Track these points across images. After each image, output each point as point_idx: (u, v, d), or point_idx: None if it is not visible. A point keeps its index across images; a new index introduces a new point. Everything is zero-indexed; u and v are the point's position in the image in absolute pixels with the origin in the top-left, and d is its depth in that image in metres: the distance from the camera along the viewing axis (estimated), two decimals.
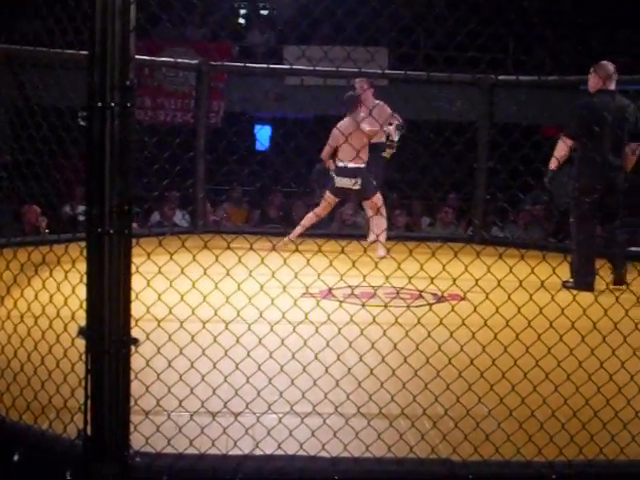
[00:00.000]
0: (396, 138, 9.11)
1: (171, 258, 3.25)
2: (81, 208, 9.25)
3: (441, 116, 8.84)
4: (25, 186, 5.36)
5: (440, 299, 5.85)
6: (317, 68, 8.37)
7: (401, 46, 12.55)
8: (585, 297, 3.73)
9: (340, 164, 8.81)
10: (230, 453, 3.06)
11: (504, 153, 4.07)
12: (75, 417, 3.01)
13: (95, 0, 2.73)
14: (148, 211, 10.36)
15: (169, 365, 3.32)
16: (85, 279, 2.82)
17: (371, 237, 8.93)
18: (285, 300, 3.75)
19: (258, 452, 3.09)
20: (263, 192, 11.67)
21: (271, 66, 11.18)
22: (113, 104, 2.74)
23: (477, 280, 3.53)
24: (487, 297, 3.56)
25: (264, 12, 16.08)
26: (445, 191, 11.10)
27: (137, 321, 2.98)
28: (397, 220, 10.90)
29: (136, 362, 2.97)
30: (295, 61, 10.97)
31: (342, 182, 8.85)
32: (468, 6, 3.93)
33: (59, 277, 3.49)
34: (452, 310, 3.57)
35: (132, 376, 2.90)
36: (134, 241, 2.85)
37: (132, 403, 2.92)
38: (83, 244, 2.83)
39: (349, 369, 3.50)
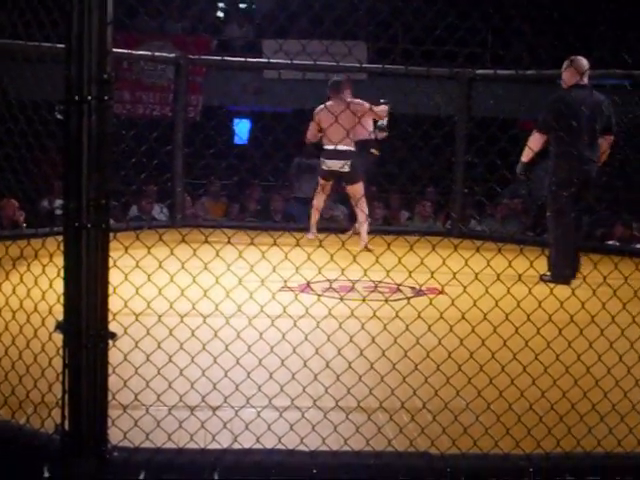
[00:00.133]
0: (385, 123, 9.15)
1: (149, 252, 3.25)
2: (59, 202, 9.21)
3: (419, 110, 8.85)
4: (3, 180, 5.33)
5: (418, 292, 5.88)
6: (295, 62, 8.37)
7: (379, 40, 12.56)
8: (562, 290, 3.75)
9: (329, 147, 8.71)
10: (208, 447, 3.06)
11: (482, 147, 4.08)
12: (53, 412, 3.00)
13: None
14: (126, 205, 10.32)
15: (147, 359, 3.31)
16: (63, 273, 2.81)
17: (362, 231, 8.95)
18: (263, 294, 3.76)
19: (237, 446, 3.09)
20: (241, 186, 11.66)
21: (249, 60, 11.15)
22: (90, 98, 2.73)
23: (455, 273, 3.54)
24: (465, 290, 3.57)
25: (242, 5, 16.05)
26: (423, 185, 11.11)
27: (115, 315, 2.98)
28: (375, 213, 10.92)
29: (114, 356, 2.96)
30: (273, 55, 10.98)
31: (331, 164, 8.82)
32: (446, 0, 3.93)
33: (37, 271, 3.48)
34: (430, 303, 3.58)
35: (110, 370, 2.89)
36: (112, 235, 2.84)
37: (110, 397, 2.91)
38: (61, 238, 2.82)
39: (327, 363, 3.50)
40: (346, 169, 8.74)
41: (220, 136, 4.33)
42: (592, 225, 10.39)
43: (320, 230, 8.78)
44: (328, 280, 4.03)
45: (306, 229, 8.97)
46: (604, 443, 3.21)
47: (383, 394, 3.45)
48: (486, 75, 10.04)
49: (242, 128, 15.70)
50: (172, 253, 3.33)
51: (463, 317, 3.51)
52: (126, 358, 3.23)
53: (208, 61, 11.62)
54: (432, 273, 3.57)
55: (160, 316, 3.40)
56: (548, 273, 6.91)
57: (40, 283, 3.45)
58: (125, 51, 9.17)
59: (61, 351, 2.85)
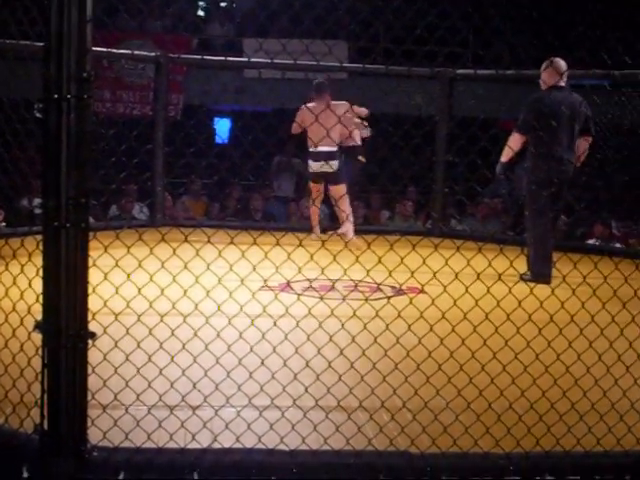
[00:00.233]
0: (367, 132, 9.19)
1: (128, 251, 3.23)
2: (38, 201, 9.17)
3: (400, 109, 8.86)
4: None
5: (398, 292, 5.89)
6: (275, 61, 8.37)
7: (360, 39, 12.57)
8: (542, 290, 3.76)
9: (313, 149, 8.75)
10: (188, 447, 3.05)
11: (462, 146, 4.09)
12: (32, 412, 2.99)
13: None
14: (106, 204, 10.29)
15: (127, 359, 3.30)
16: (42, 273, 2.80)
17: (343, 228, 8.97)
18: (243, 293, 3.75)
19: (216, 446, 3.08)
20: (222, 185, 11.65)
21: (229, 59, 11.13)
22: (69, 96, 2.72)
23: (435, 273, 3.55)
24: (445, 290, 3.58)
25: (223, 4, 16.02)
26: (404, 184, 11.13)
27: (94, 315, 2.97)
28: (356, 213, 10.93)
29: (93, 356, 2.95)
30: (254, 54, 10.96)
31: (317, 166, 8.83)
32: (426, 0, 3.94)
33: (15, 270, 3.46)
34: (410, 303, 3.58)
35: (89, 370, 2.88)
36: (91, 234, 2.83)
37: (89, 397, 2.90)
38: (40, 237, 2.81)
39: (307, 362, 3.50)
40: (331, 169, 8.76)
41: (200, 135, 4.31)
42: (572, 225, 10.45)
43: (300, 230, 8.77)
44: (308, 279, 4.03)
45: (287, 228, 8.96)
46: (583, 442, 3.23)
47: (363, 393, 3.45)
48: (467, 75, 10.06)
49: (222, 127, 15.68)
50: (152, 252, 3.32)
51: (443, 316, 3.51)
52: (105, 358, 3.22)
53: (188, 60, 11.59)
54: (412, 272, 3.57)
55: (140, 316, 3.39)
56: (528, 272, 6.95)
57: (19, 282, 3.43)
58: (105, 49, 9.12)
59: (40, 351, 2.84)
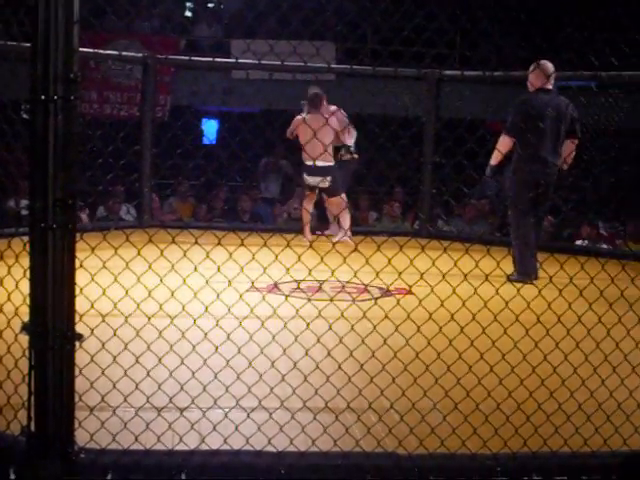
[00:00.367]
0: (352, 143, 9.17)
1: (116, 253, 3.23)
2: (25, 202, 9.15)
3: (387, 110, 8.87)
4: None
5: (386, 293, 5.89)
6: (263, 62, 8.36)
7: (347, 41, 12.57)
8: (529, 290, 3.77)
9: (308, 163, 8.73)
10: (176, 448, 3.05)
11: (449, 147, 4.09)
12: (19, 413, 2.98)
13: None
14: (93, 205, 10.27)
15: (114, 360, 3.30)
16: (28, 274, 2.79)
17: (339, 235, 8.96)
18: (231, 294, 3.74)
19: (204, 447, 3.08)
20: (209, 186, 11.64)
21: (217, 60, 11.13)
22: (56, 97, 2.71)
23: (422, 274, 3.55)
24: (432, 291, 3.58)
25: (210, 5, 16.01)
26: (391, 185, 11.14)
27: (81, 316, 2.96)
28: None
29: (80, 358, 2.94)
30: (241, 55, 10.96)
31: (311, 180, 8.86)
32: (414, 1, 3.94)
33: (2, 272, 3.44)
34: (397, 304, 3.59)
35: (76, 372, 2.88)
36: (78, 235, 2.83)
37: (76, 399, 2.89)
38: (27, 239, 2.80)
39: (295, 363, 3.50)
40: (326, 184, 8.78)
41: (188, 136, 4.31)
42: (558, 226, 10.48)
43: (288, 231, 8.78)
44: (296, 281, 4.03)
45: (274, 229, 8.97)
46: (570, 442, 3.23)
47: (351, 394, 3.45)
48: (454, 76, 10.07)
49: (210, 128, 15.67)
50: (139, 254, 3.31)
51: (430, 317, 3.52)
52: (93, 359, 3.21)
53: (176, 61, 11.58)
54: (400, 273, 3.58)
55: (127, 317, 3.39)
56: (515, 273, 6.99)
57: (6, 284, 3.41)
58: (92, 50, 9.11)
59: (27, 352, 2.83)
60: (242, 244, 3.42)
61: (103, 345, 3.27)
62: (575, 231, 10.84)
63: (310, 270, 3.61)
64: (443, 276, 3.56)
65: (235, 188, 11.96)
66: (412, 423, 3.32)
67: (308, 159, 8.68)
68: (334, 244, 8.05)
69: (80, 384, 2.96)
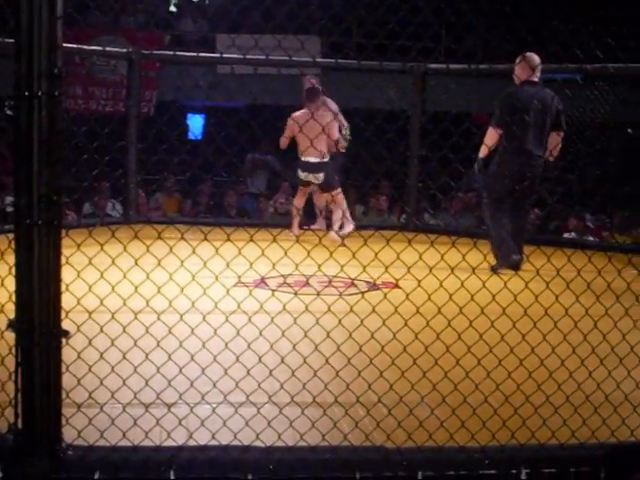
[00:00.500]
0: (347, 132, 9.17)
1: (102, 249, 3.22)
2: (10, 199, 9.12)
3: (373, 104, 8.86)
4: None
5: (373, 287, 5.89)
6: (248, 57, 8.33)
7: (332, 34, 12.56)
8: (516, 283, 3.77)
9: (303, 159, 8.75)
10: (164, 444, 3.04)
11: (435, 141, 4.09)
12: (6, 411, 2.97)
13: None
14: (79, 201, 10.24)
15: (101, 357, 3.29)
16: (14, 271, 2.78)
17: (348, 227, 8.97)
18: (217, 290, 3.74)
19: (192, 443, 3.08)
20: (195, 181, 11.62)
21: (202, 55, 11.10)
22: (40, 93, 2.70)
23: (409, 267, 3.55)
24: (419, 284, 3.58)
25: (195, 0, 15.97)
26: (378, 179, 11.14)
27: (68, 313, 2.95)
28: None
29: (67, 354, 2.94)
30: (226, 50, 10.93)
31: (305, 176, 8.84)
32: None
33: None
34: (385, 297, 3.58)
35: (63, 369, 2.87)
36: (64, 232, 2.82)
37: (64, 396, 2.89)
38: (12, 235, 2.79)
39: (282, 358, 3.49)
40: (320, 180, 8.76)
41: (173, 131, 4.29)
42: (545, 218, 10.51)
43: (274, 226, 8.76)
44: (282, 275, 4.03)
45: (260, 224, 8.95)
46: (558, 434, 3.24)
47: (338, 389, 3.45)
48: (439, 69, 10.07)
49: (196, 123, 15.64)
50: (125, 250, 3.30)
51: (418, 311, 3.52)
52: (80, 356, 3.20)
53: (161, 56, 11.57)
54: (387, 267, 3.57)
55: (114, 313, 3.38)
56: (497, 263, 7.02)
57: None
58: (76, 46, 9.08)
59: (13, 350, 2.82)
60: (228, 239, 3.41)
61: (90, 342, 3.26)
62: (562, 224, 10.86)
63: (297, 265, 3.60)
64: (430, 269, 3.56)
65: (221, 183, 11.94)
66: (400, 417, 3.32)
67: (302, 155, 8.70)
68: (343, 239, 8.10)
69: (67, 381, 2.96)
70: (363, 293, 5.70)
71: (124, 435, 3.04)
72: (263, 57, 8.45)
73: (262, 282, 5.98)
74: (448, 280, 3.64)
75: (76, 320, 3.13)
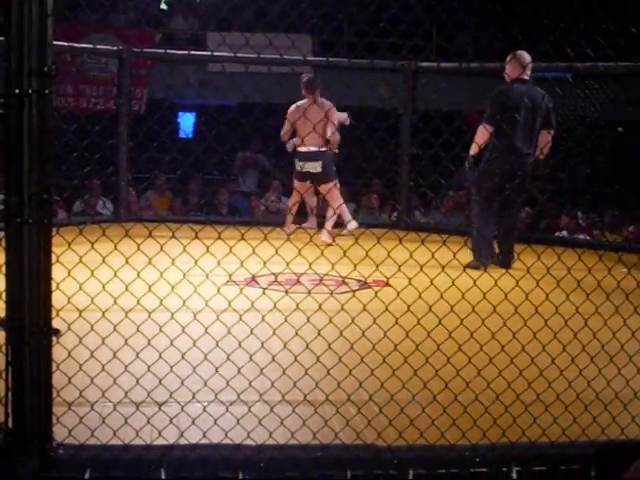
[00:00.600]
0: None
1: (92, 247, 3.21)
2: (0, 197, 9.09)
3: (364, 102, 8.86)
4: None
5: (364, 285, 5.89)
6: (238, 55, 8.33)
7: (323, 33, 12.55)
8: (506, 281, 3.78)
9: (302, 149, 8.75)
10: (155, 443, 3.04)
11: (426, 139, 4.09)
12: None
13: None
14: (70, 199, 10.22)
15: (91, 355, 3.28)
16: (4, 269, 2.78)
17: (351, 224, 8.95)
18: (208, 288, 3.74)
19: (183, 441, 3.07)
20: (186, 180, 11.61)
21: (192, 53, 11.09)
22: (31, 91, 2.69)
23: (400, 266, 3.55)
24: (410, 282, 3.58)
25: None
26: (369, 177, 11.14)
27: (58, 311, 2.95)
28: (322, 205, 10.92)
29: (58, 353, 2.93)
30: (217, 48, 10.92)
31: (305, 166, 8.82)
32: None
33: None
34: (375, 296, 3.59)
35: (54, 367, 2.87)
36: (54, 230, 2.81)
37: (54, 395, 2.88)
38: (2, 234, 2.79)
39: (273, 356, 3.49)
40: (318, 170, 8.74)
41: (164, 130, 4.29)
42: (536, 217, 10.53)
43: (266, 224, 8.75)
44: (273, 274, 4.02)
45: (251, 222, 8.96)
46: (549, 432, 3.25)
47: (329, 387, 3.45)
48: (430, 67, 10.08)
49: (186, 122, 15.62)
50: (116, 248, 3.30)
51: (408, 309, 3.52)
52: (70, 354, 3.20)
53: (151, 54, 11.55)
54: (377, 266, 3.58)
55: (104, 312, 3.38)
56: (474, 260, 7.03)
57: None
58: (67, 44, 9.06)
59: (3, 348, 2.82)
60: (219, 237, 3.41)
61: (80, 340, 3.26)
62: (552, 222, 10.88)
63: (288, 263, 3.60)
64: (421, 268, 3.56)
65: (212, 181, 11.93)
66: (391, 415, 3.32)
67: (302, 145, 8.69)
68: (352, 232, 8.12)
69: (58, 379, 2.95)
70: (354, 291, 5.70)
71: (115, 434, 3.04)
72: (254, 55, 8.44)
73: (253, 280, 5.97)
74: (439, 278, 3.65)
75: (67, 319, 3.12)
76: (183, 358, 3.42)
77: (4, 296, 2.79)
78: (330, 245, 7.94)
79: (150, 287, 3.46)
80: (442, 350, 3.52)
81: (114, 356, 3.30)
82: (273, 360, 3.49)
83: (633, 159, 9.74)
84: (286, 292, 4.01)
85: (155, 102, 13.01)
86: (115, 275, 3.38)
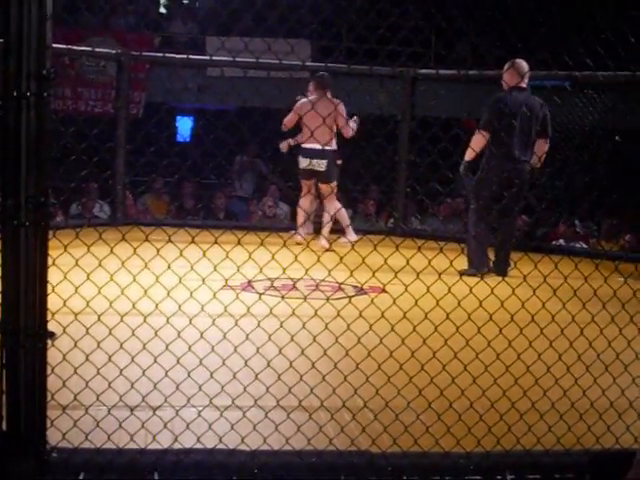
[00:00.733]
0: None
1: (88, 250, 3.21)
2: None
3: (362, 109, 8.87)
4: None
5: (360, 291, 5.89)
6: (237, 59, 8.32)
7: (323, 38, 12.57)
8: (502, 289, 3.77)
9: (307, 145, 8.63)
10: (149, 447, 3.03)
11: (424, 146, 4.10)
12: None
13: None
14: (66, 202, 10.22)
15: (87, 359, 3.28)
16: (0, 272, 2.77)
17: (350, 235, 8.92)
18: (204, 293, 3.73)
19: (177, 446, 3.06)
20: (183, 184, 11.60)
21: (191, 57, 11.09)
22: (29, 94, 2.69)
23: (397, 272, 3.55)
24: (406, 289, 3.58)
25: (185, 1, 15.96)
26: (366, 183, 11.15)
27: (54, 314, 2.94)
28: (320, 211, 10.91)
29: (53, 356, 2.93)
30: (216, 52, 10.92)
31: (308, 163, 8.75)
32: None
33: None
34: (371, 302, 3.58)
35: (49, 370, 2.86)
36: (51, 233, 2.81)
37: (49, 398, 2.88)
38: None
39: (269, 362, 3.49)
40: (322, 168, 8.67)
41: (162, 133, 4.29)
42: (533, 225, 10.53)
43: (263, 229, 8.71)
44: (269, 279, 4.02)
45: (248, 227, 8.94)
46: (543, 441, 3.25)
47: (324, 393, 3.45)
48: (429, 75, 10.09)
49: (185, 126, 15.62)
50: (112, 251, 3.29)
51: (404, 316, 3.52)
52: (65, 358, 3.19)
53: (150, 58, 11.54)
54: (374, 272, 3.57)
55: (100, 315, 3.37)
56: (470, 268, 7.04)
57: None
58: (66, 47, 9.06)
59: None
60: (216, 242, 3.41)
61: (75, 343, 3.25)
62: (550, 230, 10.88)
63: (284, 268, 3.60)
64: (417, 274, 3.56)
65: (209, 186, 11.92)
66: (386, 422, 3.32)
67: (309, 142, 8.47)
68: (353, 244, 8.08)
69: (52, 383, 2.95)
70: (350, 298, 5.70)
71: (109, 438, 3.04)
72: (253, 60, 8.45)
73: (249, 285, 5.97)
74: (435, 285, 3.65)
75: (62, 322, 3.12)
76: (178, 362, 3.41)
77: (0, 298, 2.78)
78: (328, 250, 7.93)
79: (146, 291, 3.46)
80: (437, 357, 3.52)
81: (109, 360, 3.29)
82: (268, 365, 3.48)
83: (631, 168, 9.74)
84: (282, 297, 4.00)
85: (153, 106, 13.00)
86: (111, 279, 3.38)
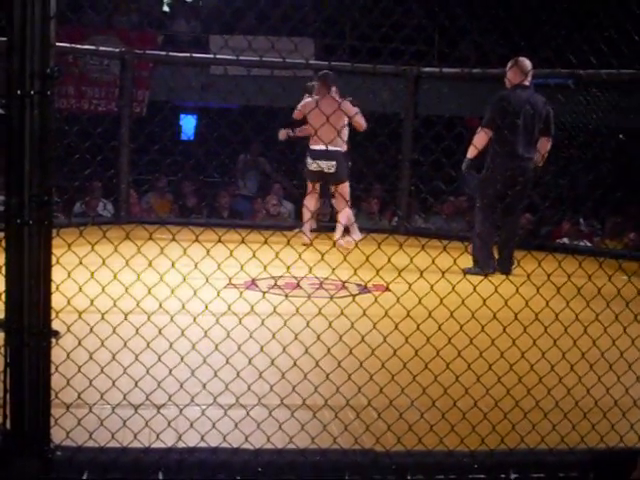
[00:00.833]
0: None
1: (92, 249, 3.21)
2: (0, 198, 9.09)
3: (366, 107, 8.86)
4: None
5: (364, 290, 5.89)
6: (241, 58, 8.32)
7: (326, 37, 12.56)
8: (506, 288, 3.77)
9: (315, 147, 8.57)
10: (153, 446, 3.03)
11: (427, 145, 4.09)
12: None
13: None
14: (70, 201, 10.22)
15: (90, 357, 3.27)
16: (4, 270, 2.77)
17: (355, 234, 8.90)
18: (208, 291, 3.73)
19: (181, 445, 3.06)
20: (187, 182, 11.60)
21: (195, 55, 11.09)
22: (33, 92, 2.69)
23: (400, 271, 3.55)
24: (410, 288, 3.58)
25: (189, 0, 15.95)
26: (369, 182, 11.14)
27: (58, 313, 2.94)
28: (323, 210, 10.92)
29: (57, 355, 2.93)
30: (220, 50, 10.92)
31: (318, 165, 8.69)
32: None
33: None
34: (375, 301, 3.59)
35: (53, 369, 2.86)
36: (55, 232, 2.81)
37: (53, 396, 2.88)
38: (2, 235, 2.78)
39: (272, 360, 3.49)
40: (332, 170, 8.61)
41: (166, 132, 4.29)
42: (537, 223, 10.53)
43: (266, 228, 8.71)
44: (273, 277, 4.02)
45: (252, 226, 8.93)
46: (547, 439, 3.24)
47: (328, 392, 3.45)
48: (432, 73, 10.09)
49: (188, 124, 15.62)
50: (116, 250, 3.29)
51: (408, 315, 3.52)
52: (69, 356, 3.19)
53: (154, 56, 11.54)
54: (378, 270, 3.57)
55: (104, 314, 3.37)
56: (474, 267, 7.04)
57: None
58: (69, 45, 9.06)
59: (2, 349, 2.81)
60: (220, 241, 3.41)
61: (79, 342, 3.25)
62: (554, 228, 10.87)
63: (288, 267, 3.60)
64: (421, 273, 3.56)
65: (213, 184, 11.92)
66: (390, 420, 3.32)
67: (316, 143, 8.45)
68: (356, 243, 8.04)
69: (56, 381, 2.95)
70: (354, 296, 5.69)
71: (113, 436, 3.04)
72: (256, 58, 8.45)
73: (253, 284, 5.97)
74: (439, 284, 3.64)
75: (66, 320, 3.12)
76: (182, 361, 3.41)
77: (3, 297, 2.78)
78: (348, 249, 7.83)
79: (150, 290, 3.46)
80: (441, 356, 3.51)
81: (113, 358, 3.29)
82: (272, 364, 3.48)
83: (635, 166, 9.73)
84: (286, 296, 4.00)
85: (157, 104, 13.01)
86: (115, 277, 3.38)
